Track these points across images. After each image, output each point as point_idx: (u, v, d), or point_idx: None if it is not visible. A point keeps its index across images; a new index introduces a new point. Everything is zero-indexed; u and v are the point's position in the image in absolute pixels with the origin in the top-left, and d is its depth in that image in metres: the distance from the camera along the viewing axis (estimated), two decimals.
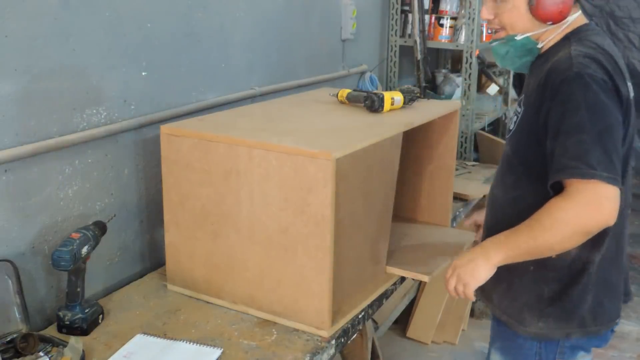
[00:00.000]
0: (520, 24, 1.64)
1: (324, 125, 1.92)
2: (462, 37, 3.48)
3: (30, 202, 1.70)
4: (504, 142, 2.38)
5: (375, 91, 2.14)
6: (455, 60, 4.16)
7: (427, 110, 2.16)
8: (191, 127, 1.81)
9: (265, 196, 1.68)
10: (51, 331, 1.68)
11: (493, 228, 1.66)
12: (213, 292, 1.84)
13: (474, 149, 3.72)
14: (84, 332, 1.66)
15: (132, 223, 2.04)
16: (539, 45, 1.66)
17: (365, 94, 2.10)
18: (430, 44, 3.53)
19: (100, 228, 1.74)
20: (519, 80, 4.48)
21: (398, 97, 2.10)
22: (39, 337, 1.57)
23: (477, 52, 3.49)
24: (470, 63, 3.48)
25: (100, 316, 1.73)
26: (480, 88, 4.06)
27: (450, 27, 3.51)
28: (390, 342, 3.30)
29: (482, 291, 1.71)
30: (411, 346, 3.31)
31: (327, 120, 1.99)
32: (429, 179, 2.33)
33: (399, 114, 2.07)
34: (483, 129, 3.86)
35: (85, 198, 1.86)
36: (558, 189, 1.47)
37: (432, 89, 3.61)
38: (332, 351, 1.69)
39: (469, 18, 3.43)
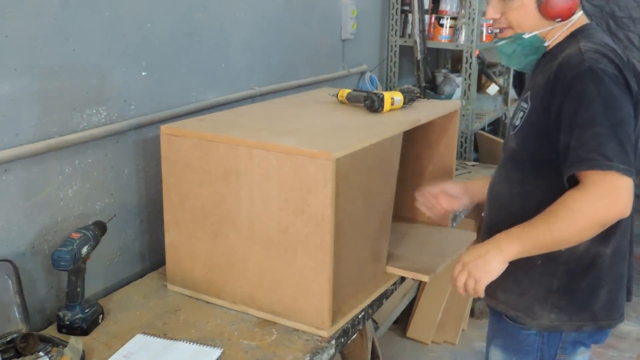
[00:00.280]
0: (528, 22, 1.64)
1: (324, 125, 1.92)
2: (462, 37, 3.49)
3: (30, 202, 1.70)
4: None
5: (375, 91, 2.13)
6: (455, 60, 4.16)
7: (427, 110, 2.16)
8: (191, 127, 1.81)
9: (265, 196, 1.68)
10: (51, 331, 1.68)
11: (497, 225, 1.63)
12: (213, 292, 1.84)
13: (474, 149, 3.72)
14: (84, 332, 1.66)
15: (132, 223, 2.04)
16: (546, 44, 1.66)
17: (365, 94, 2.10)
18: (430, 44, 3.53)
19: (100, 228, 1.74)
20: (519, 80, 4.48)
21: (398, 97, 2.10)
22: (39, 337, 1.56)
23: (477, 52, 3.49)
24: (470, 63, 3.49)
25: (100, 316, 1.73)
26: (480, 88, 4.06)
27: (450, 27, 3.51)
28: (390, 342, 3.30)
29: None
30: (411, 346, 3.31)
31: (327, 120, 1.99)
32: (429, 179, 2.33)
33: (399, 114, 2.07)
34: (483, 129, 3.86)
35: (85, 198, 1.86)
36: (572, 182, 1.47)
37: (432, 89, 3.61)
38: (332, 351, 1.69)
39: (469, 18, 3.43)
